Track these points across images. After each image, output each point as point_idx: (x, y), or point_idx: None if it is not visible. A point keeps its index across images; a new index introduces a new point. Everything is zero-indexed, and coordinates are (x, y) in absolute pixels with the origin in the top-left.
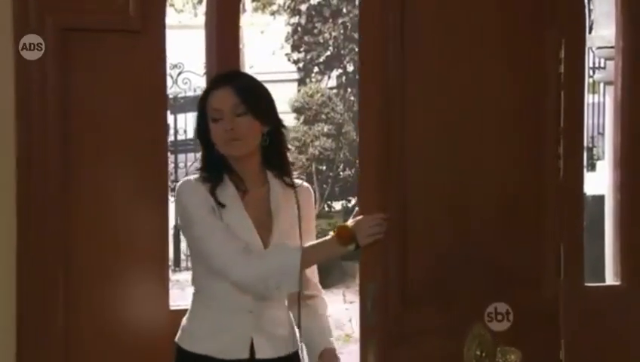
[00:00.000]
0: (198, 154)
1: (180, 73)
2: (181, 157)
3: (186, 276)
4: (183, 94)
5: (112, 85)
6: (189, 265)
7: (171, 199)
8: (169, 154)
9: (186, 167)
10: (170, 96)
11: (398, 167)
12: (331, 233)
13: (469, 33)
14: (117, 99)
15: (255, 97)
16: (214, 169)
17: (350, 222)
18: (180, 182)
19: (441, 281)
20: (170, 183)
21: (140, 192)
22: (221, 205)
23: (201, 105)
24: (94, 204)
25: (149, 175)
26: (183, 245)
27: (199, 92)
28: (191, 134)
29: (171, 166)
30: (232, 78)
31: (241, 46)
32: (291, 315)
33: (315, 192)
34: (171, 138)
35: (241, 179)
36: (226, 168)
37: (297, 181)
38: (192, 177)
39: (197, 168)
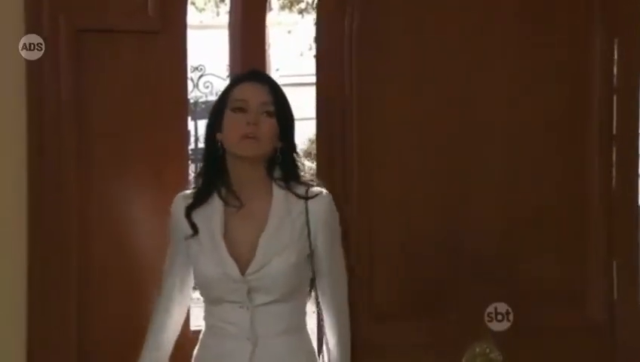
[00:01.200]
0: None
1: (201, 76)
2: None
3: None
4: (204, 99)
5: (129, 89)
6: None
7: None
8: (189, 162)
9: None
10: (191, 101)
11: (359, 170)
12: None
13: (495, 24)
14: (134, 103)
15: (286, 106)
16: (210, 178)
17: None
18: None
19: (426, 294)
20: None
21: (159, 202)
22: (194, 229)
23: (223, 97)
24: (110, 213)
25: (168, 184)
26: None
27: None
28: None
29: (191, 175)
30: (267, 78)
31: (266, 47)
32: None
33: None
34: (192, 146)
35: (234, 194)
36: (222, 179)
37: (314, 189)
38: (182, 193)
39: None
